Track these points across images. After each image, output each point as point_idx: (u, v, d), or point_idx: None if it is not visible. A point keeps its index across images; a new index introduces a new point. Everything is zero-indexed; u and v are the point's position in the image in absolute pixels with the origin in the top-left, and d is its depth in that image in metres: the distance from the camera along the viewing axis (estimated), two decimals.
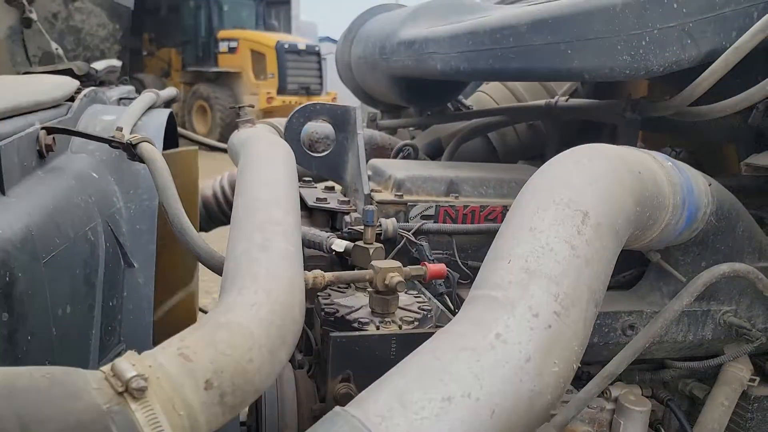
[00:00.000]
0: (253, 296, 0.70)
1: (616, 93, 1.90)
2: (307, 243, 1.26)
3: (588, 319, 0.82)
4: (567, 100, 1.79)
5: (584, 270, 0.81)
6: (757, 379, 1.42)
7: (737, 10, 1.21)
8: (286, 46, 13.44)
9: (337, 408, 0.71)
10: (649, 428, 1.34)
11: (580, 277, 0.81)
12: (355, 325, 1.04)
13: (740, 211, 1.35)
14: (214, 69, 13.56)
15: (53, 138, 1.04)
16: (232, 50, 13.60)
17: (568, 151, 0.97)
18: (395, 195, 1.36)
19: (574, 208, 0.85)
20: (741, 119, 1.37)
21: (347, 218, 1.33)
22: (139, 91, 1.94)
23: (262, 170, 0.99)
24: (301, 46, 13.75)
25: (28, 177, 0.94)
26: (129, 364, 0.57)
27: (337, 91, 13.57)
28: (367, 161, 1.58)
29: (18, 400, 0.51)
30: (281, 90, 13.17)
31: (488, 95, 2.14)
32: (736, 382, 1.42)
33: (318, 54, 14.08)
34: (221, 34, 13.71)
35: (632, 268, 1.49)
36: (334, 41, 21.00)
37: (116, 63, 1.99)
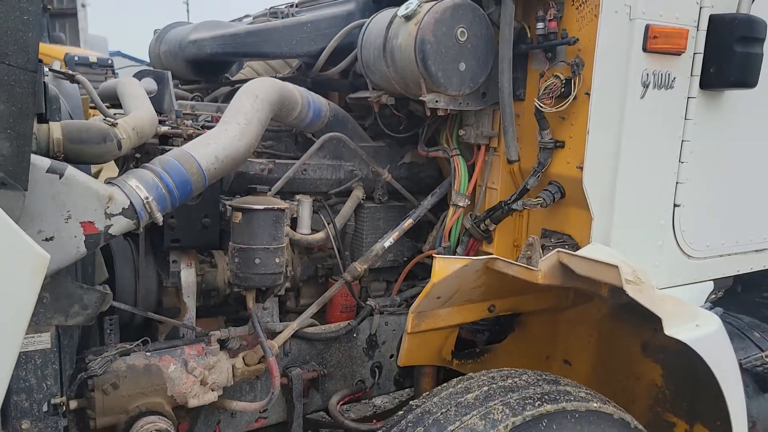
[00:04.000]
0: (142, 116, 2.19)
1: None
2: None
3: (258, 131, 2.42)
4: (287, 73, 3.45)
5: (256, 113, 2.42)
6: (365, 197, 3.17)
7: (332, 31, 2.95)
8: (76, 58, 13.64)
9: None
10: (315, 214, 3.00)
11: (254, 116, 2.41)
12: None
13: (349, 119, 3.10)
14: None
15: None
16: None
17: (260, 78, 2.59)
18: (191, 110, 2.88)
19: (253, 94, 2.46)
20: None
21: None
22: None
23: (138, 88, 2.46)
24: (93, 59, 14.05)
25: None
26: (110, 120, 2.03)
27: None
28: None
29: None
30: None
31: (252, 68, 3.75)
32: (356, 198, 3.15)
33: (111, 66, 14.44)
34: None
35: None
36: (125, 56, 20.94)
37: None
